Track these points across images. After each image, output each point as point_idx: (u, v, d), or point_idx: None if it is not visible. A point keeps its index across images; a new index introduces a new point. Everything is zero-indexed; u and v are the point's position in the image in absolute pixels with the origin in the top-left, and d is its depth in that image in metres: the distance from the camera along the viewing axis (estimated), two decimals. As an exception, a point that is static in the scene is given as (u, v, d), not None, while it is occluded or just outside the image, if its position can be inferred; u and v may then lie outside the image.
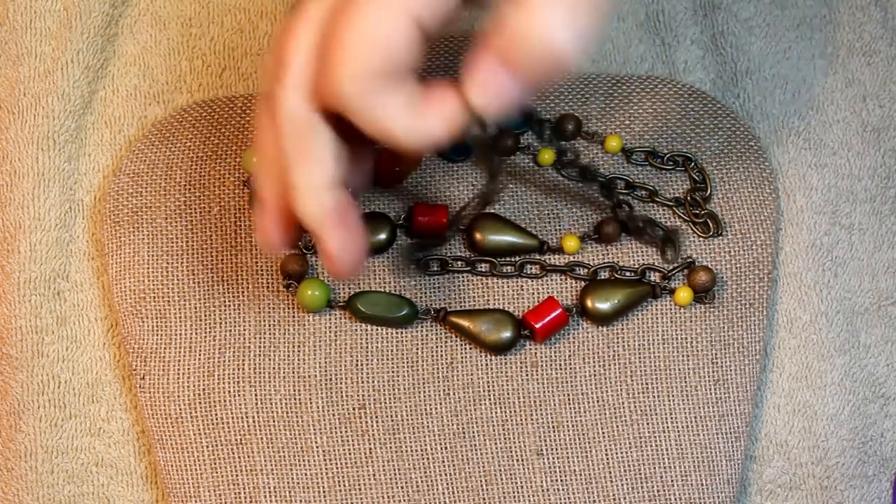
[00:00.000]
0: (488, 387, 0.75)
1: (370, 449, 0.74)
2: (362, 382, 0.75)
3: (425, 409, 0.74)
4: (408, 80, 0.60)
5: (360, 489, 0.73)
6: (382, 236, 0.75)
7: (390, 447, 0.74)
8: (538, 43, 0.56)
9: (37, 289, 0.78)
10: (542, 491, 0.73)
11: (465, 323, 0.74)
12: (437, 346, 0.75)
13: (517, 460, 0.74)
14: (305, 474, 0.74)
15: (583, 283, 0.75)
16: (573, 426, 0.74)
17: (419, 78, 0.61)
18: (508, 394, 0.75)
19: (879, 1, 0.84)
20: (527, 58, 0.57)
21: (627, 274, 0.76)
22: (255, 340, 0.75)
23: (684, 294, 0.74)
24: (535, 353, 0.75)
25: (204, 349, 0.75)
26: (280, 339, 0.75)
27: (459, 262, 0.76)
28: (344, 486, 0.73)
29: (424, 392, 0.75)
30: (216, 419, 0.74)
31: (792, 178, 0.80)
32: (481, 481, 0.74)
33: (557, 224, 0.77)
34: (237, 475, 0.74)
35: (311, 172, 0.62)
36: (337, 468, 0.74)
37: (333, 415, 0.74)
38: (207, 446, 0.74)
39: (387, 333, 0.75)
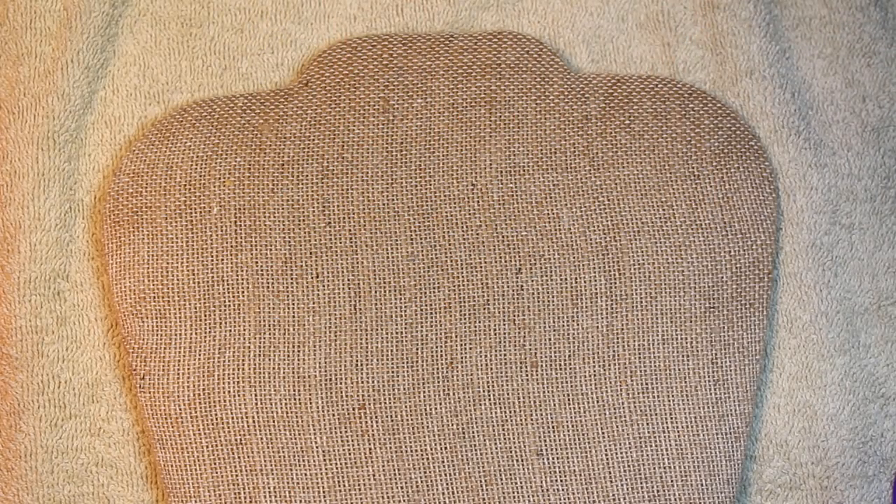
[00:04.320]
0: (488, 387, 0.75)
1: (370, 449, 0.74)
2: (362, 382, 0.75)
3: (425, 409, 0.74)
4: None
5: (360, 489, 0.73)
6: None
7: (390, 447, 0.74)
8: None
9: (37, 289, 0.78)
10: (542, 491, 0.73)
11: None
12: (437, 346, 0.75)
13: (517, 460, 0.74)
14: (305, 474, 0.74)
15: None
16: (573, 426, 0.74)
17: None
18: (508, 394, 0.75)
19: (879, 1, 0.84)
20: None
21: None
22: (255, 340, 0.75)
23: None
24: (535, 353, 0.75)
25: (204, 349, 0.75)
26: (280, 339, 0.75)
27: None
28: (344, 486, 0.73)
29: (424, 392, 0.75)
30: (216, 419, 0.74)
31: (792, 178, 0.80)
32: (481, 481, 0.74)
33: None
34: (237, 475, 0.74)
35: None
36: (337, 468, 0.74)
37: (333, 415, 0.74)
38: (207, 446, 0.74)
39: (386, 333, 0.75)
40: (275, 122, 0.79)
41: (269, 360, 0.75)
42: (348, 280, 0.76)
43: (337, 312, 0.76)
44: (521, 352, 0.75)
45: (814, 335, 0.78)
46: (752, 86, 0.82)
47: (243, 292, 0.76)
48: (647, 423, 0.74)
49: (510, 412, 0.74)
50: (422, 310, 0.76)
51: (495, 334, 0.75)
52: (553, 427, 0.74)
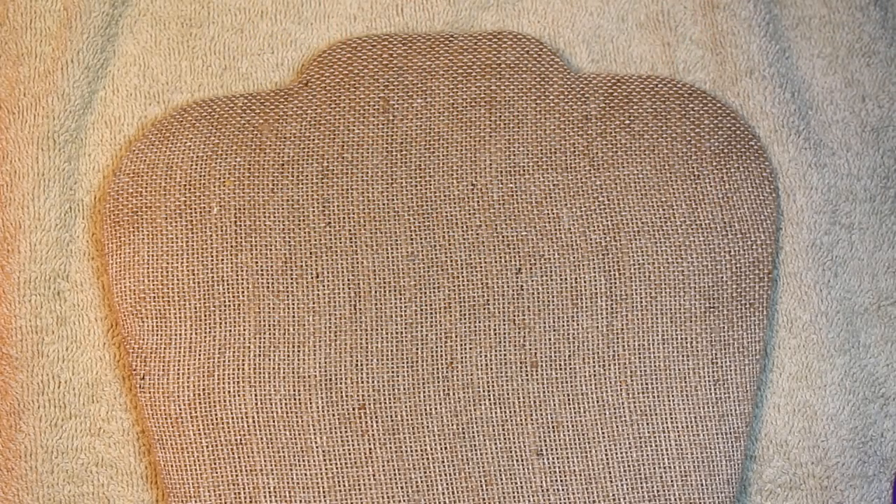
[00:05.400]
0: (488, 387, 0.75)
1: (370, 449, 0.74)
2: (362, 382, 0.75)
3: (425, 409, 0.74)
4: None
5: (360, 489, 0.73)
6: None
7: (390, 447, 0.74)
8: None
9: (37, 289, 0.78)
10: (542, 491, 0.73)
11: None
12: (437, 346, 0.75)
13: (517, 460, 0.74)
14: (305, 474, 0.74)
15: None
16: (573, 426, 0.74)
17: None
18: (508, 394, 0.75)
19: (879, 1, 0.84)
20: None
21: None
22: (255, 340, 0.75)
23: None
24: (535, 353, 0.75)
25: (204, 349, 0.75)
26: (280, 339, 0.75)
27: None
28: (344, 486, 0.73)
29: (424, 392, 0.75)
30: (216, 419, 0.74)
31: (792, 178, 0.80)
32: (481, 481, 0.74)
33: None
34: (237, 475, 0.74)
35: None
36: (337, 468, 0.74)
37: (333, 415, 0.74)
38: (207, 446, 0.74)
39: (386, 333, 0.75)
40: (275, 122, 0.79)
41: (269, 360, 0.75)
42: (348, 280, 0.76)
43: (337, 312, 0.76)
44: (521, 352, 0.75)
45: (814, 335, 0.78)
46: (752, 86, 0.82)
47: (243, 292, 0.76)
48: (647, 423, 0.74)
49: (510, 412, 0.74)
50: (422, 310, 0.76)
51: (495, 334, 0.75)
52: (553, 427, 0.74)
